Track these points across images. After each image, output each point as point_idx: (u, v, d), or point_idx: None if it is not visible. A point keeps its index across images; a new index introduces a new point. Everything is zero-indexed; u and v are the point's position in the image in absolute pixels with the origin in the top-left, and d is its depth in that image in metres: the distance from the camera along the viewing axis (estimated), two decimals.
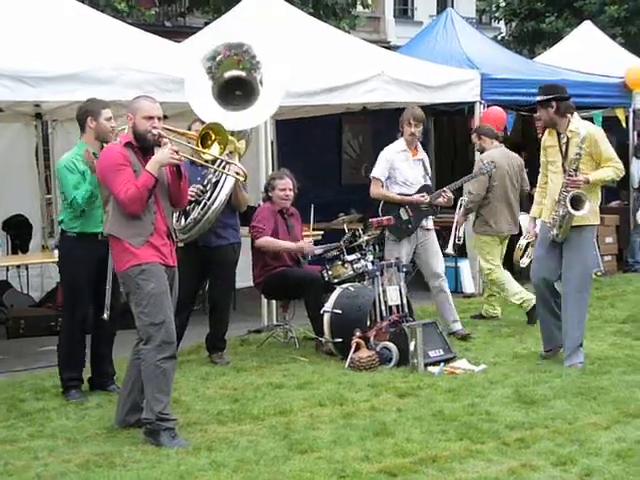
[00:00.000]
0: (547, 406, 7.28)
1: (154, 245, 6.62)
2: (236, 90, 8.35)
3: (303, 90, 10.94)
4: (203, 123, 7.97)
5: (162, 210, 6.73)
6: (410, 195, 9.76)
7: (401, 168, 9.79)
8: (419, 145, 10.00)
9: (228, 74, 8.36)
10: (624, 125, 14.63)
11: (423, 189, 9.79)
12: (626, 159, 14.93)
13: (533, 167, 13.94)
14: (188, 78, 8.65)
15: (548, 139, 8.83)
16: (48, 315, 10.66)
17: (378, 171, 9.87)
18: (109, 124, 7.76)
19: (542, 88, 8.91)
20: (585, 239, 8.64)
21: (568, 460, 6.02)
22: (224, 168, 8.15)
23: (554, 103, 8.66)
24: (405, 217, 9.75)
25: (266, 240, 9.54)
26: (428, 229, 9.87)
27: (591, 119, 13.28)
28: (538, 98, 8.77)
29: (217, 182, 8.56)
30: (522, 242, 9.37)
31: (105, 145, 7.76)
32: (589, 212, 8.42)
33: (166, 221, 6.77)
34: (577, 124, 8.62)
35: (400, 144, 9.86)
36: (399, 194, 9.79)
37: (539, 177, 9.04)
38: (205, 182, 8.63)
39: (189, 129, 8.70)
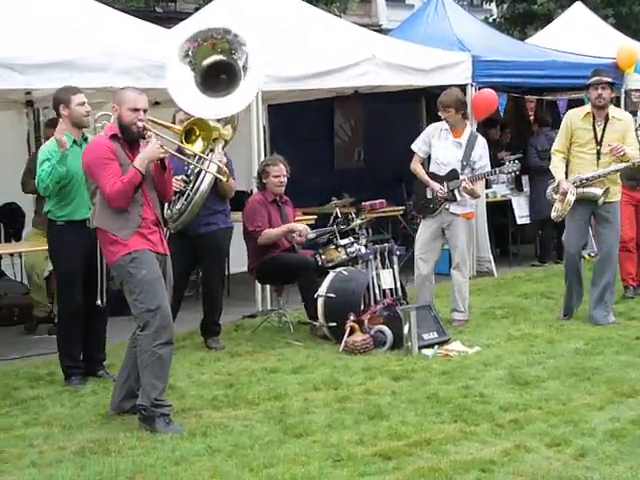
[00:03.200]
0: (541, 387, 7.30)
1: (142, 234, 6.62)
2: (220, 74, 8.25)
3: (295, 74, 10.95)
4: (187, 113, 7.97)
5: (150, 201, 6.73)
6: (440, 176, 9.70)
7: (436, 145, 9.77)
8: (468, 128, 9.87)
9: (207, 61, 8.25)
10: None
11: (452, 173, 9.65)
12: None
13: (517, 146, 14.17)
14: (169, 71, 8.50)
15: (581, 122, 9.31)
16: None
17: (415, 144, 9.92)
18: (82, 109, 7.77)
19: (606, 71, 9.76)
20: (618, 211, 9.53)
21: (562, 441, 6.04)
22: (203, 164, 8.14)
23: (612, 89, 9.47)
24: (429, 196, 9.74)
25: (266, 234, 9.54)
26: (453, 213, 9.71)
27: (582, 100, 13.35)
28: (609, 79, 9.37)
29: (199, 172, 8.54)
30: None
31: (84, 130, 7.86)
32: (616, 192, 9.44)
33: (154, 211, 6.77)
34: (618, 111, 9.61)
35: (444, 122, 9.80)
36: (431, 172, 9.78)
37: (556, 154, 9.52)
38: (189, 172, 8.63)
39: (174, 117, 8.71)
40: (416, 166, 9.88)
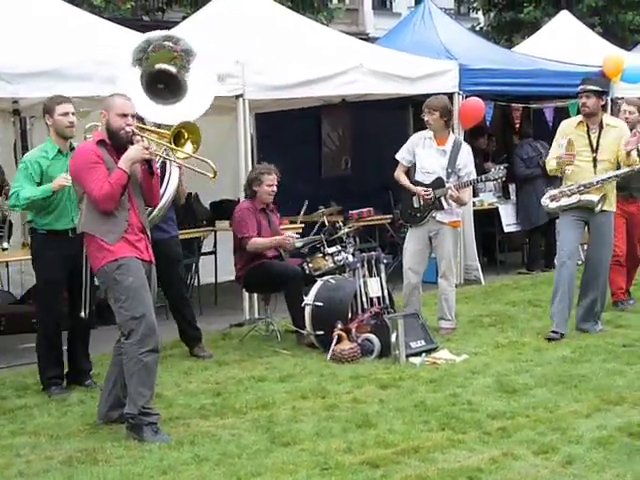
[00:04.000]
0: (528, 395, 7.31)
1: (129, 240, 6.62)
2: (159, 83, 8.19)
3: (282, 83, 10.94)
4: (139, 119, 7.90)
5: (136, 207, 6.73)
6: (425, 184, 9.68)
7: (420, 154, 9.77)
8: (451, 136, 9.87)
9: (158, 66, 8.19)
10: None
11: (437, 181, 9.65)
12: None
13: (502, 155, 14.25)
14: (120, 66, 8.41)
15: (575, 130, 9.31)
16: (29, 312, 10.58)
17: (399, 153, 9.92)
18: (65, 119, 7.74)
19: (594, 80, 9.82)
20: (612, 222, 9.50)
21: (549, 448, 6.05)
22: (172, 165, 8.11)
23: (604, 97, 9.46)
24: (416, 205, 9.74)
25: (254, 243, 9.51)
26: (440, 222, 9.70)
27: (567, 108, 13.41)
28: (594, 87, 9.33)
29: (162, 176, 8.49)
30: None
31: (70, 141, 7.84)
32: (612, 202, 9.43)
33: (140, 217, 6.77)
34: (612, 119, 9.56)
35: (429, 131, 9.80)
36: (416, 181, 9.77)
37: (549, 159, 9.47)
38: None
39: None
40: (399, 174, 9.89)
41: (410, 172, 9.88)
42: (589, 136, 9.26)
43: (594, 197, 9.14)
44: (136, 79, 7.98)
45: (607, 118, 9.46)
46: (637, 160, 9.12)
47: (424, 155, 9.75)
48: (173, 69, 8.16)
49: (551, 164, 9.35)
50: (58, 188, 7.60)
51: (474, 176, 9.81)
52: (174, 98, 8.09)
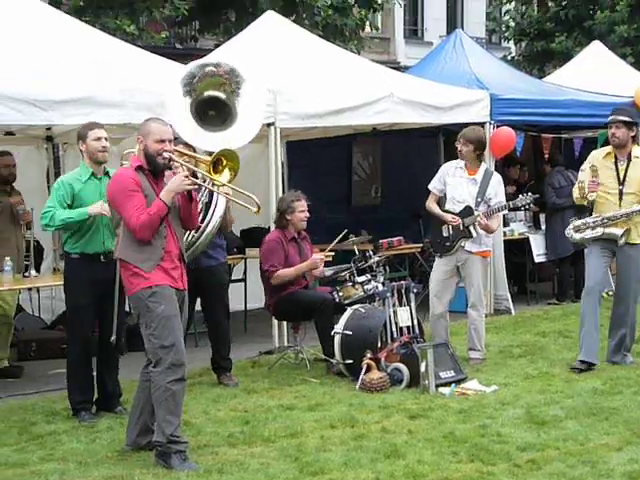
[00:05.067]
0: (558, 427, 7.26)
1: (164, 268, 6.63)
2: (210, 110, 8.26)
3: (313, 111, 10.98)
4: (186, 144, 7.97)
5: (174, 233, 6.74)
6: (455, 214, 9.69)
7: (451, 184, 9.76)
8: (483, 165, 9.85)
9: (208, 93, 8.27)
10: None
11: (465, 210, 9.66)
12: None
13: (534, 184, 14.20)
14: (168, 95, 8.50)
15: (602, 161, 9.24)
16: (59, 338, 10.65)
17: (432, 183, 9.92)
18: (98, 144, 7.82)
19: (624, 110, 9.61)
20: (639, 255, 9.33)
21: None
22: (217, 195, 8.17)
23: (635, 128, 9.30)
24: (445, 234, 9.73)
25: (279, 276, 9.52)
26: (469, 251, 9.68)
27: (596, 139, 13.37)
28: (624, 118, 9.24)
29: (208, 203, 8.56)
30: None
31: (104, 166, 7.91)
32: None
33: (178, 244, 6.78)
34: None
35: (460, 160, 9.81)
36: (446, 210, 9.76)
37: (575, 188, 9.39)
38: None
39: None
40: (431, 204, 9.88)
41: (441, 202, 9.86)
42: (617, 167, 9.18)
43: (618, 230, 9.07)
44: (185, 107, 8.04)
45: (636, 150, 9.31)
46: None
47: (455, 184, 9.74)
48: (222, 95, 8.21)
49: (575, 193, 9.32)
50: (95, 213, 7.65)
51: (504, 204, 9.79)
52: (224, 124, 8.14)
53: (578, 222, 9.33)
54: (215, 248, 9.07)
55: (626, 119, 9.23)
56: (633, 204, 9.10)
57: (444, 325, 9.75)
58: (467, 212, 9.61)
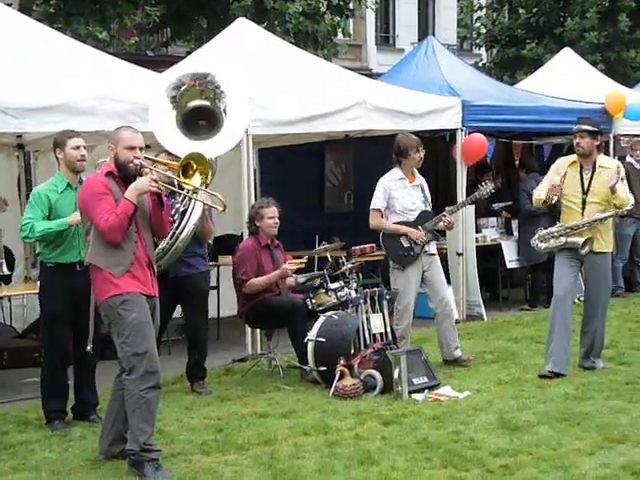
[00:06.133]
0: (531, 432, 7.28)
1: (135, 275, 6.62)
2: (200, 120, 8.29)
3: (285, 119, 10.98)
4: (169, 154, 8.00)
5: (143, 240, 6.73)
6: (411, 222, 9.74)
7: (399, 197, 9.75)
8: (415, 171, 9.95)
9: (192, 104, 8.30)
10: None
11: (423, 215, 9.76)
12: None
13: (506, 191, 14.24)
14: (152, 108, 8.59)
15: (569, 169, 9.21)
16: (31, 346, 10.59)
17: (377, 201, 9.82)
18: (76, 152, 7.82)
19: (588, 119, 9.52)
20: (607, 263, 9.40)
21: None
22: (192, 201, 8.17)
23: (599, 137, 9.26)
24: (406, 244, 9.73)
25: (251, 285, 9.54)
26: (432, 254, 9.83)
27: (563, 146, 13.45)
28: (588, 127, 9.20)
29: (184, 212, 8.54)
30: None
31: (80, 175, 7.89)
32: (607, 243, 9.32)
33: (147, 251, 6.77)
34: (606, 160, 9.40)
35: (396, 172, 9.84)
36: (397, 223, 9.76)
37: (537, 191, 9.41)
38: (173, 212, 8.57)
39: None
40: (380, 222, 9.83)
41: (383, 217, 9.86)
42: (582, 176, 9.17)
43: (579, 239, 9.07)
44: (170, 118, 8.07)
45: (601, 159, 9.30)
46: (624, 200, 9.04)
47: (404, 195, 9.79)
48: (207, 103, 8.22)
49: (536, 195, 9.34)
50: (76, 222, 7.61)
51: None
52: (213, 131, 8.16)
53: (543, 232, 9.33)
54: (195, 257, 9.05)
55: (590, 128, 9.21)
56: (596, 213, 9.10)
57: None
58: (425, 217, 9.73)
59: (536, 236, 9.42)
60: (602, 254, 9.25)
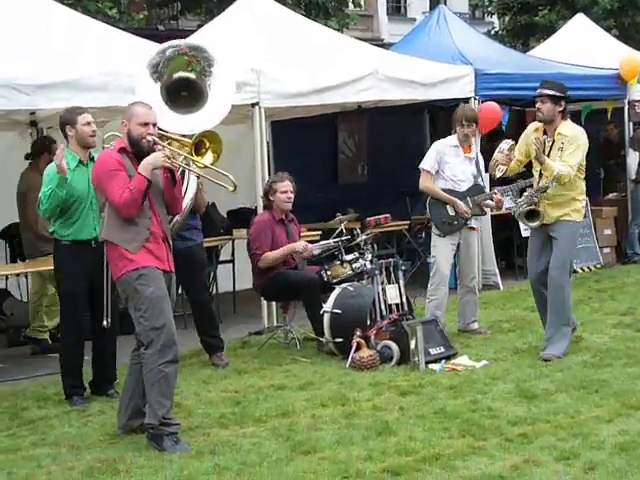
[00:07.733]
0: (549, 400, 7.28)
1: (150, 250, 6.63)
2: (182, 91, 8.18)
3: (297, 90, 10.95)
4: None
5: (157, 215, 6.73)
6: (460, 192, 9.73)
7: (451, 162, 9.73)
8: (473, 144, 9.93)
9: (177, 75, 8.18)
10: (609, 117, 14.85)
11: (474, 188, 9.75)
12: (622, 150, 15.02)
13: None
14: (137, 81, 8.41)
15: (534, 134, 8.75)
16: None
17: (427, 163, 9.79)
18: (88, 128, 7.82)
19: (552, 83, 8.87)
20: (567, 233, 8.71)
21: (571, 454, 6.01)
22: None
23: (563, 103, 8.70)
24: (452, 213, 9.72)
25: (266, 258, 9.55)
26: (472, 227, 9.86)
27: (579, 112, 13.36)
28: (549, 92, 8.66)
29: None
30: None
31: (90, 151, 7.86)
32: (571, 211, 8.66)
33: (162, 226, 6.77)
34: (568, 127, 8.70)
35: (452, 139, 9.82)
36: (444, 189, 9.72)
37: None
38: None
39: None
40: (430, 184, 9.77)
41: (432, 180, 9.83)
42: (544, 144, 8.61)
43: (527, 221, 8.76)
44: (155, 91, 7.97)
45: (562, 127, 8.67)
46: (550, 170, 8.47)
47: (455, 163, 9.75)
48: (192, 75, 8.14)
49: (491, 162, 9.04)
50: (62, 169, 7.51)
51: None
52: (196, 106, 8.07)
53: (519, 200, 8.88)
54: (190, 229, 8.99)
55: (551, 93, 8.65)
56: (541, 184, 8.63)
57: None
58: (476, 190, 9.69)
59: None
60: (563, 223, 8.64)
